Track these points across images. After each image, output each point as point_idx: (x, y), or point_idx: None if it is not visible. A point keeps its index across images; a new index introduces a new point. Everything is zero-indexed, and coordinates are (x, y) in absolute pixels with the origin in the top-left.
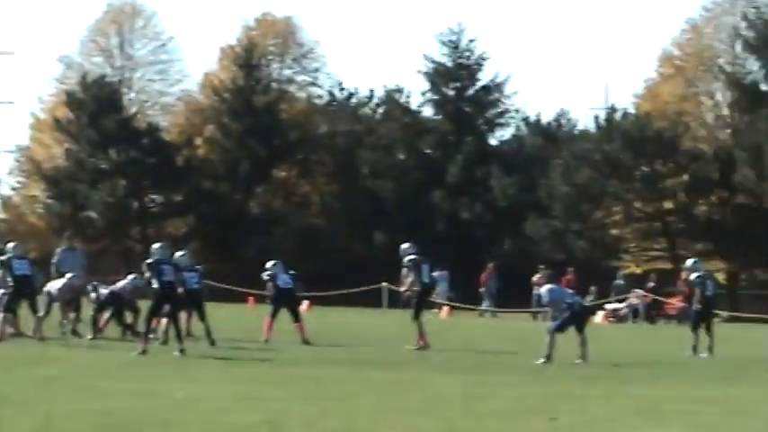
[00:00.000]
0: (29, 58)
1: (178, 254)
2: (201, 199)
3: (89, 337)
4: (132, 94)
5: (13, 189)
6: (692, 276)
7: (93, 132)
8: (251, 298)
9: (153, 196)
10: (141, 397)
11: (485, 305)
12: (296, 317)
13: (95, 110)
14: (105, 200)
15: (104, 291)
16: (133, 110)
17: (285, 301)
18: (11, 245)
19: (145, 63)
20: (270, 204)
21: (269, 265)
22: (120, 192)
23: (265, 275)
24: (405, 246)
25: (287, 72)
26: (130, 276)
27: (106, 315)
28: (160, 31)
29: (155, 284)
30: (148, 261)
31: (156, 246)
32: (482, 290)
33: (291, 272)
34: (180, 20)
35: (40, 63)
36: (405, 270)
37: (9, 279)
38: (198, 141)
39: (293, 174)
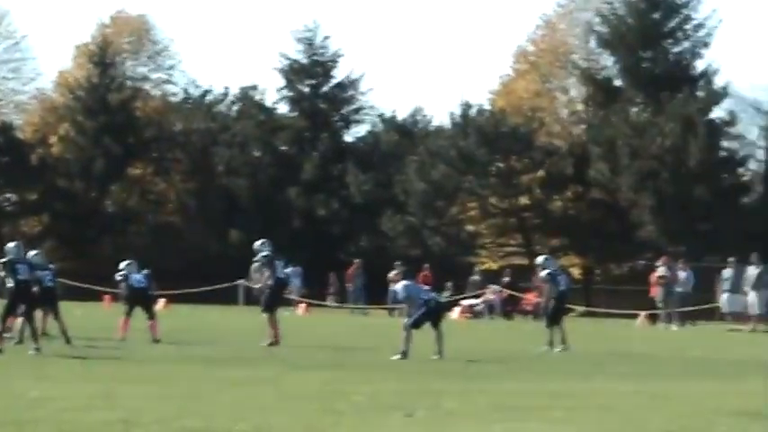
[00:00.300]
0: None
1: (32, 253)
2: (56, 197)
3: None
4: None
5: None
6: (544, 273)
7: None
8: (107, 296)
9: (7, 195)
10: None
11: (351, 302)
12: (150, 315)
13: None
14: None
15: None
16: None
17: (139, 299)
18: (257, 243)
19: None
20: (125, 202)
21: (122, 264)
22: None
23: (118, 275)
24: (258, 243)
25: (142, 69)
26: None
27: None
28: (13, 29)
29: (9, 283)
30: (3, 260)
31: (10, 245)
32: (348, 286)
33: (145, 271)
34: (33, 18)
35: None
36: (256, 265)
37: None
38: (52, 140)
39: (148, 171)
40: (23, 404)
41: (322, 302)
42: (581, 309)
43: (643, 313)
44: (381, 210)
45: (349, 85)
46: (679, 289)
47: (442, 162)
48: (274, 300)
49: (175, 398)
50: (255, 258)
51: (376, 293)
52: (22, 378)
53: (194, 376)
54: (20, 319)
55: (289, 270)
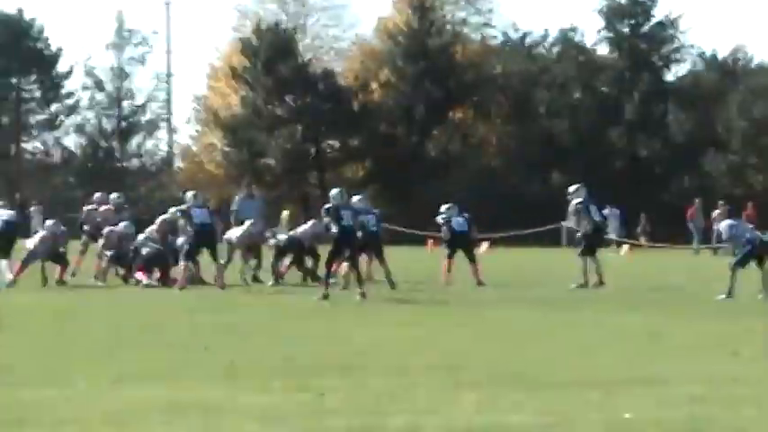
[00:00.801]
0: (205, 7)
1: (355, 198)
2: (378, 143)
3: (270, 283)
4: (307, 41)
5: (192, 138)
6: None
7: (269, 79)
8: (430, 240)
9: (329, 141)
10: (322, 342)
11: (694, 243)
12: (471, 259)
13: (270, 57)
14: (282, 146)
15: (283, 237)
16: (308, 56)
17: (460, 243)
18: (190, 194)
19: (318, 9)
20: (446, 147)
21: (443, 208)
22: (296, 138)
23: (440, 219)
24: (572, 188)
25: (460, 14)
26: (310, 222)
27: (286, 261)
28: None
29: (334, 229)
30: (327, 206)
31: (334, 191)
32: (690, 225)
33: (466, 215)
34: None
35: (217, 12)
36: (573, 210)
37: (189, 228)
38: (373, 86)
39: (469, 116)
40: (350, 349)
41: (641, 243)
42: None
43: None
44: (703, 149)
45: (669, 24)
46: None
47: (763, 99)
48: (592, 243)
49: (500, 341)
50: (571, 206)
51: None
52: (348, 324)
53: (518, 319)
54: (345, 265)
55: (606, 212)
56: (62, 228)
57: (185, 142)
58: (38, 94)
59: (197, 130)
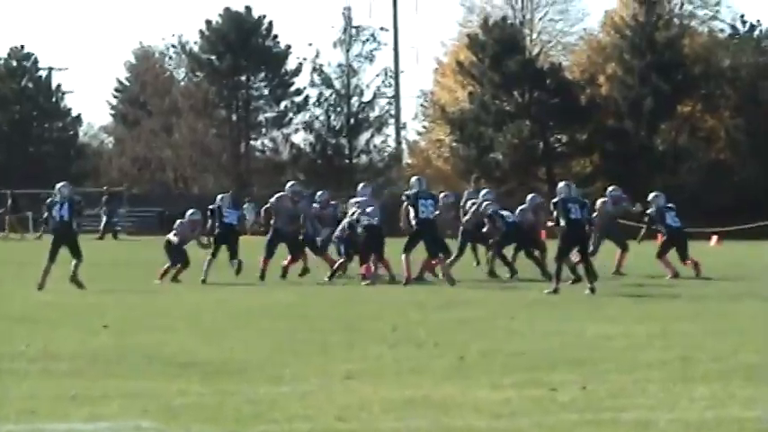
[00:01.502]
0: (431, 3)
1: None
2: (606, 137)
3: (507, 275)
4: (534, 35)
5: (419, 134)
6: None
7: (496, 74)
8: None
9: (557, 136)
10: (553, 336)
11: None
12: (682, 257)
13: (498, 52)
14: (510, 141)
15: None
16: (535, 50)
17: (675, 239)
18: (414, 179)
19: (545, 3)
20: (675, 140)
21: (652, 196)
22: (524, 133)
23: (650, 211)
24: None
25: (688, 7)
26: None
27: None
28: None
29: (562, 223)
30: (555, 199)
31: (561, 184)
32: None
33: (670, 204)
34: None
35: (443, 8)
36: None
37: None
38: (600, 79)
39: (697, 108)
40: (582, 343)
41: None
42: None
43: None
44: None
45: None
46: None
47: None
48: None
49: (731, 334)
50: None
51: None
52: (579, 318)
53: (749, 313)
54: (575, 259)
55: None
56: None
57: (413, 138)
58: (266, 91)
59: (424, 126)
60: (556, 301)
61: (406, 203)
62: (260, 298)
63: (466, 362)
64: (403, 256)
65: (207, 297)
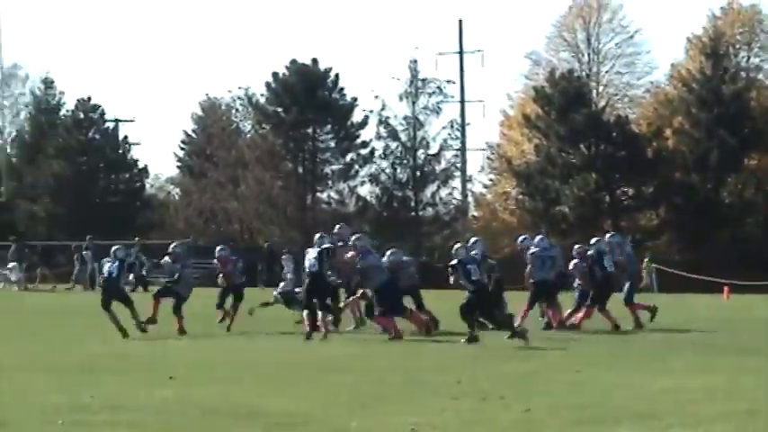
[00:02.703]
0: (497, 55)
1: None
2: (672, 190)
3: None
4: (600, 88)
5: (486, 186)
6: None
7: (563, 127)
8: (725, 287)
9: (624, 189)
10: (618, 389)
11: None
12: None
13: (564, 105)
14: (576, 194)
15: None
16: (602, 103)
17: (604, 283)
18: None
19: (612, 56)
20: (741, 193)
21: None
22: (591, 185)
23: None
24: None
25: (754, 60)
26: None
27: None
28: (626, 23)
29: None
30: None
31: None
32: None
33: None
34: (646, 12)
35: (509, 60)
36: None
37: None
38: (667, 132)
39: (764, 162)
40: (647, 396)
41: None
42: None
43: None
44: None
45: None
46: None
47: None
48: None
49: None
50: None
51: None
52: (644, 370)
53: None
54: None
55: None
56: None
57: (479, 191)
58: (333, 143)
59: (491, 179)
60: (620, 354)
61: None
62: (324, 350)
63: (531, 415)
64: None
65: (272, 348)
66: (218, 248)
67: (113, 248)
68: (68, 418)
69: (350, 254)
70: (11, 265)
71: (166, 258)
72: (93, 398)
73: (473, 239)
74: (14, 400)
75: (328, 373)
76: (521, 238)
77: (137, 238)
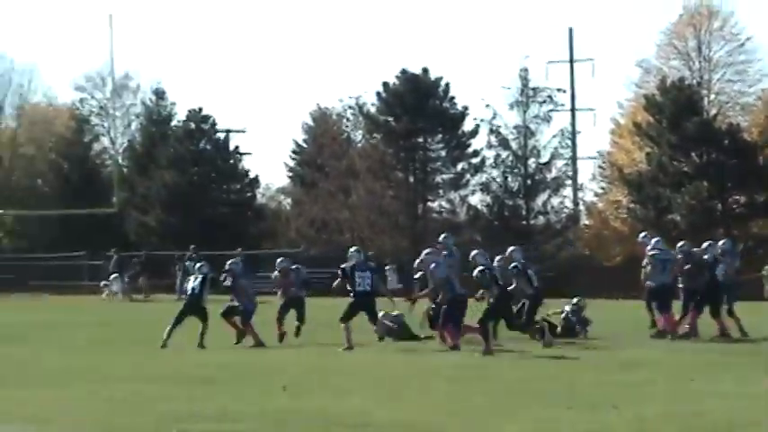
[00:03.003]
0: (608, 64)
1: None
2: None
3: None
4: (712, 96)
5: (597, 195)
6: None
7: (674, 135)
8: None
9: (736, 197)
10: (732, 398)
11: None
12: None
13: (675, 113)
14: (688, 202)
15: None
16: (713, 111)
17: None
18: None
19: (723, 64)
20: None
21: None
22: (702, 194)
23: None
24: None
25: None
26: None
27: None
28: (737, 31)
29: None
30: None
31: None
32: None
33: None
34: (757, 19)
35: (619, 69)
36: None
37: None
38: None
39: None
40: (761, 404)
41: None
42: None
43: None
44: None
45: None
46: None
47: None
48: None
49: None
50: None
51: None
52: (758, 379)
53: None
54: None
55: None
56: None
57: (590, 199)
58: (443, 153)
59: (602, 187)
60: (734, 363)
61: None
62: (435, 359)
63: (646, 424)
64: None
65: (383, 357)
66: (278, 260)
67: (198, 265)
68: (182, 427)
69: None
70: (112, 276)
71: (226, 275)
72: (208, 407)
73: (474, 252)
74: (129, 410)
75: (441, 382)
76: (642, 235)
77: (239, 249)
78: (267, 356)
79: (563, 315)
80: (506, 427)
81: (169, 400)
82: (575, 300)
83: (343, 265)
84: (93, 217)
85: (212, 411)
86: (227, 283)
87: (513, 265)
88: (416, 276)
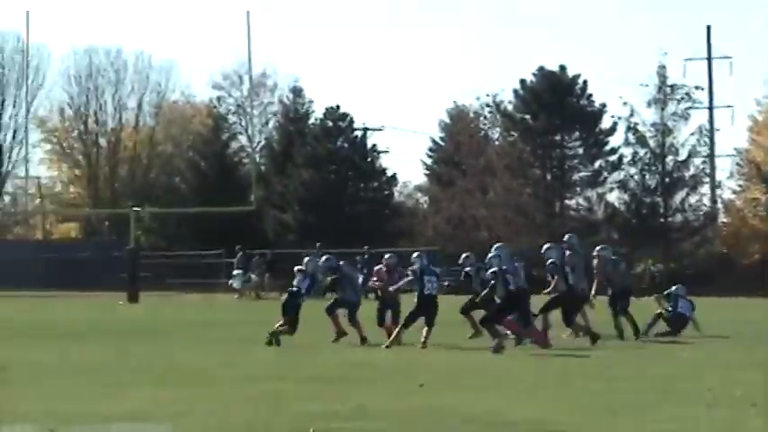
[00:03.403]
0: (746, 60)
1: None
2: None
3: None
4: None
5: (734, 193)
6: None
7: None
8: None
9: None
10: None
11: None
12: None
13: None
14: None
15: None
16: None
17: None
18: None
19: None
20: None
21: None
22: None
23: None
24: None
25: None
26: None
27: None
28: None
29: None
30: None
31: None
32: None
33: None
34: None
35: (757, 65)
36: None
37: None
38: None
39: None
40: None
41: None
42: None
43: None
44: None
45: None
46: None
47: None
48: None
49: None
50: None
51: None
52: None
53: None
54: None
55: None
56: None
57: (728, 197)
58: (581, 150)
59: (739, 185)
60: None
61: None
62: (570, 358)
63: None
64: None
65: (518, 356)
66: (386, 256)
67: (305, 260)
68: (319, 426)
69: None
70: (236, 272)
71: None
72: (344, 405)
73: (498, 245)
74: (265, 409)
75: (577, 379)
76: None
77: (366, 247)
78: (399, 355)
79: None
80: (645, 426)
81: (304, 398)
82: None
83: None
84: (231, 215)
85: (348, 410)
86: (328, 278)
87: (550, 261)
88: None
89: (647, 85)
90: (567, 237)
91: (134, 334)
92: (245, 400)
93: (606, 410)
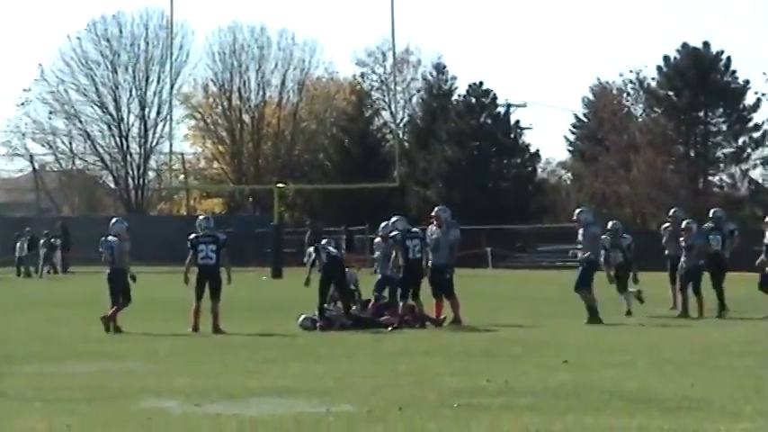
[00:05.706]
0: None
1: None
2: None
3: None
4: None
5: None
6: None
7: None
8: None
9: None
10: None
11: None
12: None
13: None
14: None
15: None
16: None
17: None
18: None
19: None
20: None
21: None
22: None
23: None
24: None
25: None
26: None
27: None
28: None
29: None
30: None
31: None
32: None
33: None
34: None
35: None
36: None
37: None
38: None
39: None
40: None
41: None
42: None
43: None
44: None
45: None
46: None
47: None
48: None
49: None
50: None
51: None
52: None
53: None
54: None
55: None
56: None
57: None
58: (724, 127)
59: None
60: None
61: None
62: (719, 334)
63: None
64: None
65: (664, 332)
66: (381, 225)
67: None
68: (464, 401)
69: None
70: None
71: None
72: (489, 381)
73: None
74: (412, 383)
75: (725, 356)
76: None
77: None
78: (545, 333)
79: None
80: None
81: (450, 374)
82: None
83: None
84: (375, 191)
85: (494, 386)
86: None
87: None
88: None
89: None
90: (712, 212)
91: (278, 309)
92: (393, 374)
93: (750, 387)
